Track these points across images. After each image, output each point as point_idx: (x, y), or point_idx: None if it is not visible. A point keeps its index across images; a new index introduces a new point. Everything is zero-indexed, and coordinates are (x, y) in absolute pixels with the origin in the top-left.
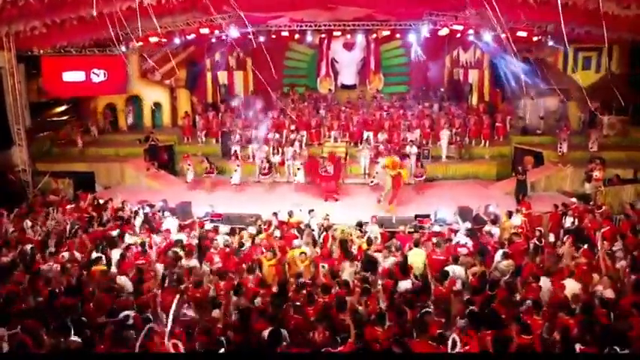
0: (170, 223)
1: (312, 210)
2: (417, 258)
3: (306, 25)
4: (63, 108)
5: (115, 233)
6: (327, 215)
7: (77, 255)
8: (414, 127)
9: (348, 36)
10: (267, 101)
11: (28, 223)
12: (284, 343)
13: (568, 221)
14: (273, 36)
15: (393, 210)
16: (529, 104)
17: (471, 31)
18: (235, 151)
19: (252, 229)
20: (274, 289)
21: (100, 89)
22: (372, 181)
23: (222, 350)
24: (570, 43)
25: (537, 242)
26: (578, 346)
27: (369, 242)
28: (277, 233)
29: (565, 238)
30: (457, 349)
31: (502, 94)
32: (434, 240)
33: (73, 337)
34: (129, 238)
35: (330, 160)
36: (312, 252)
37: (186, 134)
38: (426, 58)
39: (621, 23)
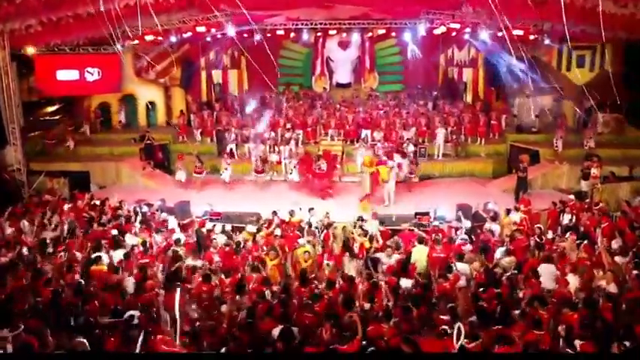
0: (173, 222)
1: (312, 208)
2: (420, 255)
3: (302, 24)
4: (54, 107)
5: (114, 232)
6: (328, 213)
7: (77, 255)
8: (410, 125)
9: (344, 34)
10: (262, 100)
11: (25, 223)
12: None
13: (566, 218)
14: (269, 34)
15: (365, 207)
16: (524, 102)
17: (467, 30)
18: (226, 149)
19: (252, 228)
20: (275, 288)
21: (95, 88)
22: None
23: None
24: (565, 42)
25: (538, 239)
26: (578, 343)
27: (371, 240)
28: (278, 232)
29: (567, 235)
30: (462, 340)
31: (497, 92)
32: (433, 237)
33: (79, 338)
34: (130, 238)
35: (325, 158)
36: (315, 251)
37: (181, 133)
38: (421, 57)
39: (617, 22)
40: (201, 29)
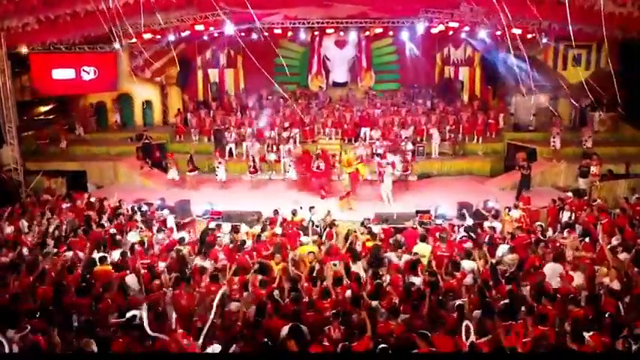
0: (171, 221)
1: (313, 207)
2: (423, 253)
3: (300, 23)
4: (48, 107)
5: (113, 231)
6: (329, 212)
7: (80, 254)
8: (408, 123)
9: (341, 33)
10: (258, 99)
11: (24, 223)
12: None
13: (565, 215)
14: (266, 33)
15: (344, 205)
16: (521, 101)
17: (466, 29)
18: (224, 148)
19: (250, 227)
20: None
21: (91, 87)
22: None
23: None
24: (560, 41)
25: (541, 237)
26: (587, 335)
27: (373, 237)
28: (279, 231)
29: (567, 232)
30: (471, 338)
31: (493, 91)
32: (437, 235)
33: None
34: (132, 237)
35: (323, 157)
36: (318, 251)
37: (179, 132)
38: (417, 56)
39: (614, 21)
40: (199, 27)
